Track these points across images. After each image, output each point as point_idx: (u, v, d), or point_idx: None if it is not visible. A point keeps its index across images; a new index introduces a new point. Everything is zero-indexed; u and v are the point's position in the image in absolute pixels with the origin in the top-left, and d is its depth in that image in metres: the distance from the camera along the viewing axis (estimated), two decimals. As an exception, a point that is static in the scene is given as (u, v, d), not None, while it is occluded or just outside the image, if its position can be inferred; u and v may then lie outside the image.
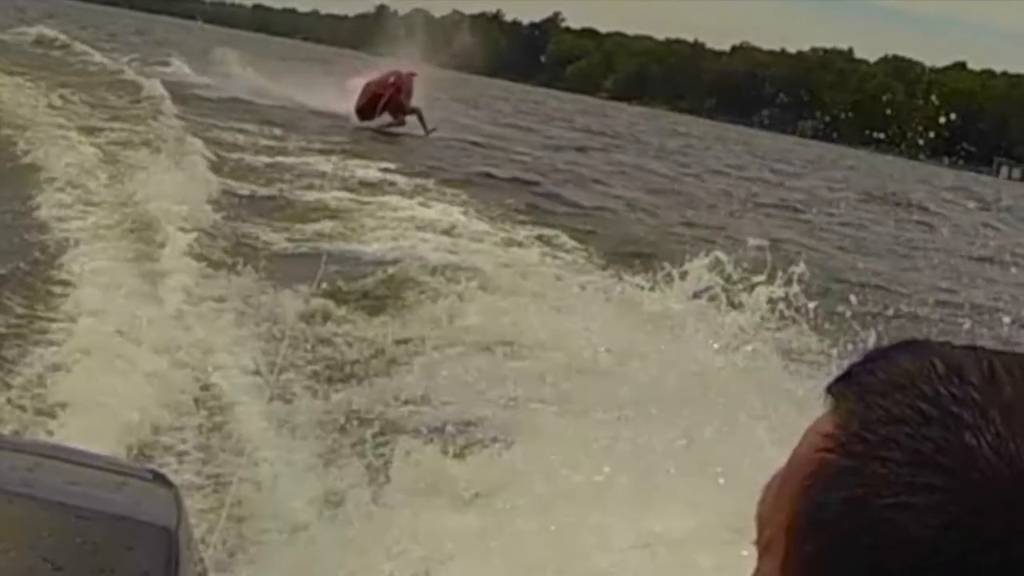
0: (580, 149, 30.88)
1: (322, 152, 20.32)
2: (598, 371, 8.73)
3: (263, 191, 15.39)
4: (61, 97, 20.28)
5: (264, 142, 20.50)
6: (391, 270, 11.73)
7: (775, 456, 1.05)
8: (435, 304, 10.53)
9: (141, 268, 10.47)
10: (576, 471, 6.16)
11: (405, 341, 9.42)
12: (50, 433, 6.59)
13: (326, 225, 13.86)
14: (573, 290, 11.66)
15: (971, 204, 43.19)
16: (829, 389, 0.87)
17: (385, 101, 28.92)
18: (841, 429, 0.84)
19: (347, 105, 29.14)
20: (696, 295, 11.17)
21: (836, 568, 0.81)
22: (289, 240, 12.89)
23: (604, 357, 9.13)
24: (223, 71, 33.67)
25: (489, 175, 20.26)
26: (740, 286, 11.41)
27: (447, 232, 14.24)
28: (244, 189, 15.08)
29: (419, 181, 17.77)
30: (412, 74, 29.87)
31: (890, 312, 12.97)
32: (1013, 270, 20.86)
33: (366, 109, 28.74)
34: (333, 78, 31.77)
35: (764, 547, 0.88)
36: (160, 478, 2.62)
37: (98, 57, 30.43)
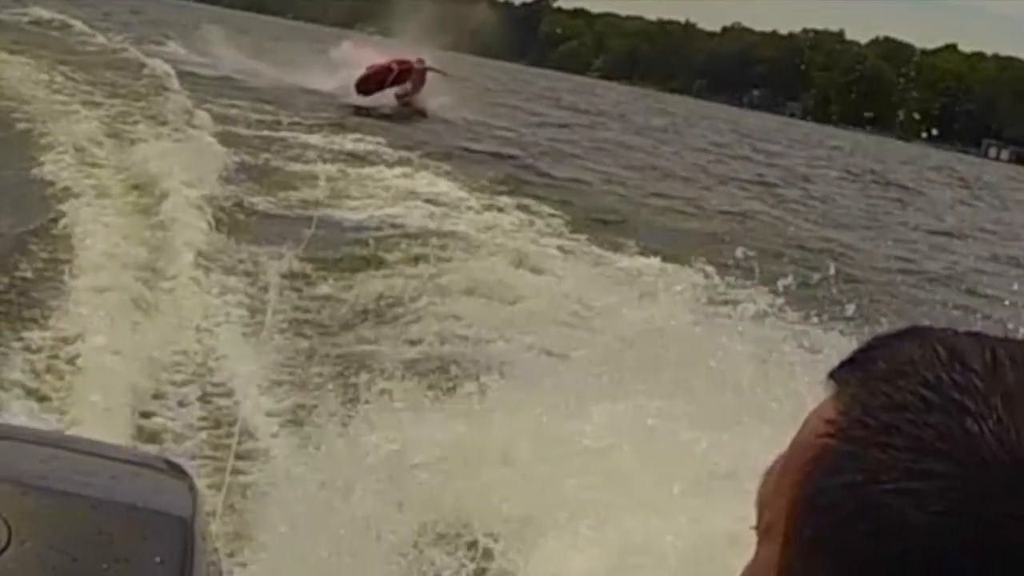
0: (563, 126, 31.66)
1: (312, 127, 21.15)
2: (568, 321, 9.66)
3: (256, 161, 16.20)
4: (63, 75, 21.05)
5: (256, 116, 21.31)
6: (377, 233, 12.63)
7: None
8: (416, 264, 11.44)
9: (145, 234, 11.23)
10: (550, 403, 7.01)
11: (389, 296, 10.32)
12: (57, 407, 6.90)
13: (314, 193, 14.70)
14: (548, 251, 12.56)
15: (951, 183, 44.05)
16: (831, 375, 0.88)
17: (393, 78, 28.55)
18: (843, 415, 0.84)
19: (335, 83, 29.48)
20: (654, 255, 12.13)
21: (835, 553, 0.82)
22: (280, 206, 13.73)
23: (573, 308, 10.08)
24: (215, 52, 34.31)
25: (471, 149, 21.12)
26: (700, 251, 12.39)
27: (430, 200, 15.08)
28: (243, 159, 15.89)
29: (403, 154, 18.62)
30: (430, 68, 29.64)
31: (843, 275, 13.90)
32: (972, 243, 21.84)
33: (371, 82, 28.29)
34: (324, 56, 32.36)
35: (764, 532, 0.89)
36: (175, 468, 2.64)
37: (100, 38, 31.16)
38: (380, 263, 11.39)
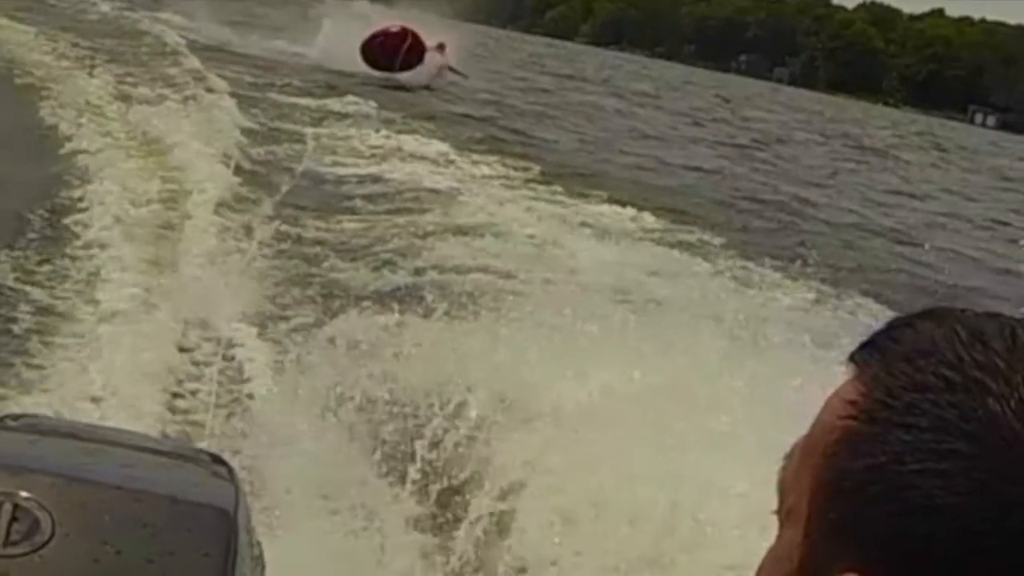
0: (544, 91, 32.68)
1: (299, 89, 22.29)
2: (531, 253, 10.92)
3: (254, 121, 17.28)
4: (67, 42, 22.08)
5: (249, 79, 22.37)
6: (360, 186, 13.84)
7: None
8: (397, 211, 12.65)
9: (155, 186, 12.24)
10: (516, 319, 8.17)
11: (367, 235, 11.53)
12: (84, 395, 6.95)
13: (301, 148, 15.83)
14: (520, 200, 13.78)
15: (927, 147, 44.88)
16: (852, 357, 0.89)
17: (407, 48, 27.27)
18: (865, 396, 0.85)
19: (317, 50, 29.59)
20: (615, 203, 13.41)
21: (860, 535, 0.83)
22: (269, 160, 14.86)
23: (535, 240, 11.36)
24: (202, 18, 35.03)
25: (454, 112, 22.25)
26: (657, 201, 13.69)
27: (411, 156, 16.23)
28: (242, 118, 16.95)
29: (387, 114, 19.79)
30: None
31: (792, 226, 15.18)
32: (931, 202, 23.03)
33: (380, 48, 27.16)
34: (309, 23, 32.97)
35: (786, 515, 0.90)
36: (217, 460, 2.66)
37: (104, 7, 32.05)
38: (360, 210, 12.59)
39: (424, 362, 7.14)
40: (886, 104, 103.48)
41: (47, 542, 2.02)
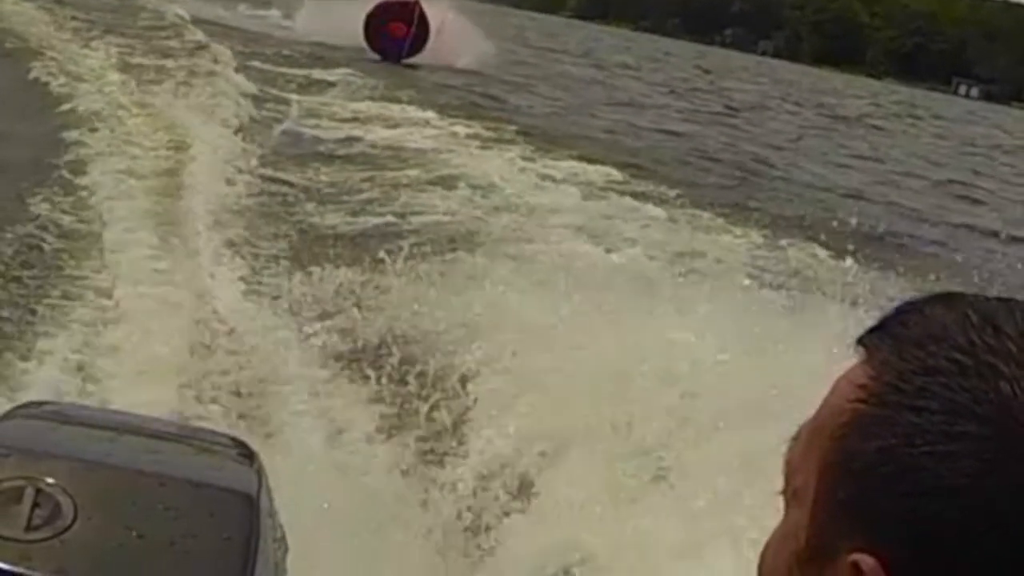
0: (523, 63, 33.65)
1: (286, 58, 23.42)
2: (502, 201, 12.14)
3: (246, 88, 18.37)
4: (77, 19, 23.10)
5: (239, 47, 23.46)
6: (342, 146, 15.04)
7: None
8: (381, 166, 13.87)
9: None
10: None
11: (347, 185, 12.76)
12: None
13: (288, 109, 16.98)
14: (494, 159, 14.98)
15: (902, 115, 45.75)
16: (860, 340, 0.91)
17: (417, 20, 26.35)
18: (875, 380, 0.87)
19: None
20: (582, 160, 14.69)
21: (870, 516, 0.84)
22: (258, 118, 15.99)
23: (507, 190, 12.61)
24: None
25: (435, 82, 23.41)
26: (620, 158, 14.97)
27: (390, 120, 17.41)
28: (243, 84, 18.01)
29: (371, 81, 20.97)
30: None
31: (744, 180, 16.42)
32: (891, 164, 24.18)
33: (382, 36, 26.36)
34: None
35: (792, 495, 0.92)
36: (241, 445, 2.68)
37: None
38: (343, 161, 13.84)
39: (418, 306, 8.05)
40: (870, 76, 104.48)
41: (69, 526, 2.04)
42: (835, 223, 13.84)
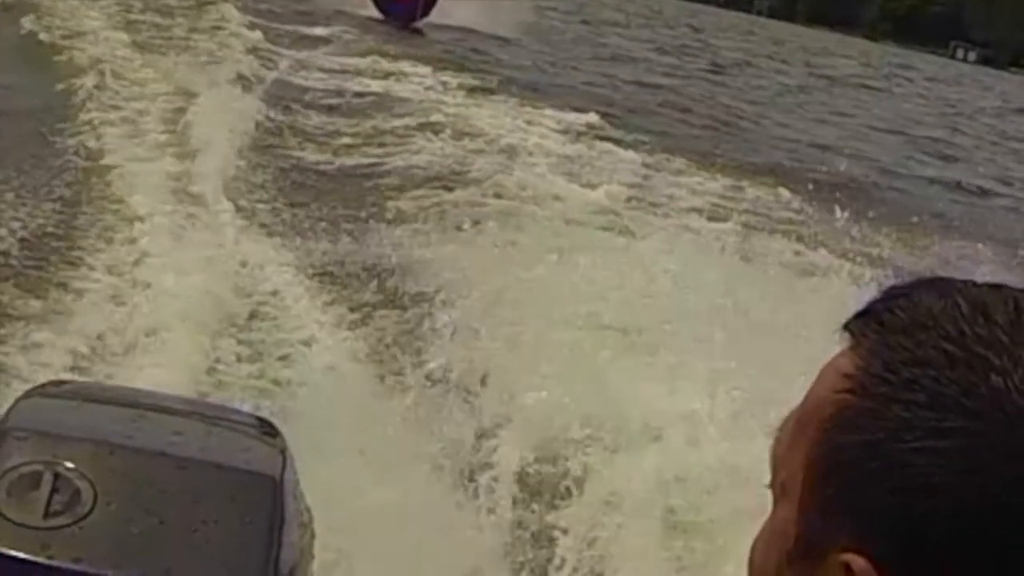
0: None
1: (274, 13, 24.33)
2: (485, 145, 13.31)
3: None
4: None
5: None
6: (335, 97, 16.14)
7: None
8: (377, 113, 15.01)
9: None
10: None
11: (346, 130, 13.90)
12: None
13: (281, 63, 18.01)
14: (481, 108, 16.12)
15: (897, 78, 46.30)
16: (847, 326, 0.89)
17: None
18: (861, 370, 0.86)
19: None
20: (560, 108, 15.87)
21: (858, 512, 0.84)
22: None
23: (491, 134, 13.80)
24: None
25: (429, 39, 24.51)
26: (597, 106, 16.14)
27: (379, 72, 18.49)
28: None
29: (365, 37, 22.03)
30: None
31: (712, 128, 17.61)
32: (863, 118, 25.17)
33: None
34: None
35: (780, 490, 0.91)
36: (265, 425, 2.65)
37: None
38: (338, 110, 14.95)
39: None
40: (866, 38, 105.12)
41: (88, 513, 2.02)
42: (796, 170, 15.05)
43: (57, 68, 15.11)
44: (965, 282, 0.89)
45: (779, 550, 0.90)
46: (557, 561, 5.38)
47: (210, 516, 2.12)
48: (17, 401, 2.45)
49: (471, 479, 5.82)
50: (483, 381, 6.54)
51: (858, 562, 0.83)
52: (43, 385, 3.02)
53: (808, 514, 0.88)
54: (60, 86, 14.01)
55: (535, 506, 5.70)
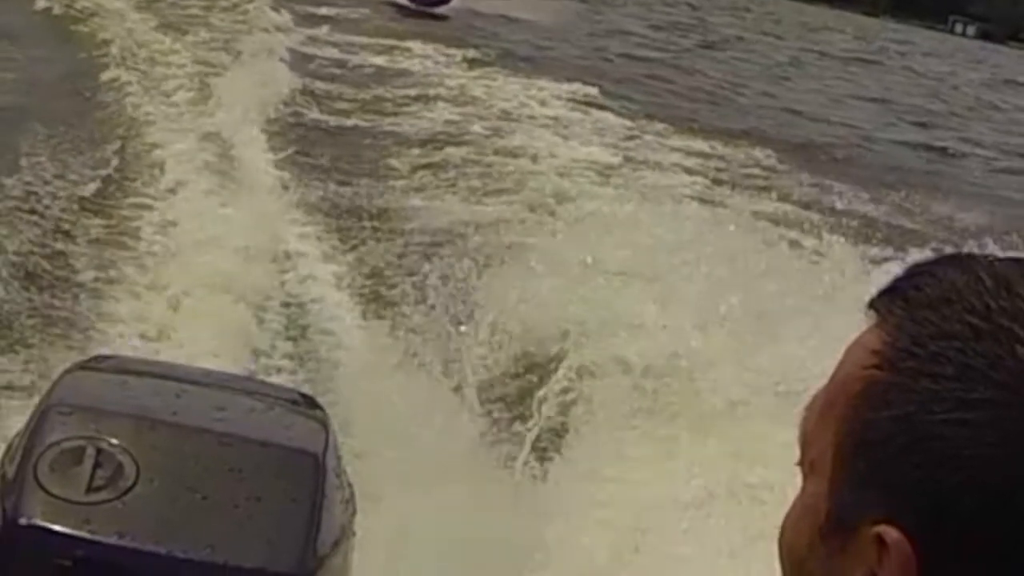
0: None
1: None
2: (482, 110, 14.75)
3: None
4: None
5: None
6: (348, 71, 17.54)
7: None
8: (383, 83, 16.43)
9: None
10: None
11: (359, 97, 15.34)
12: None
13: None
14: (475, 80, 17.53)
15: (890, 52, 46.77)
16: (872, 303, 0.92)
17: None
18: (888, 346, 0.89)
19: None
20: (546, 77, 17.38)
21: (888, 486, 0.87)
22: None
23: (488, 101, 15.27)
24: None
25: (430, 14, 25.86)
26: (586, 75, 17.59)
27: (378, 47, 19.88)
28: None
29: (377, 17, 23.39)
30: None
31: (691, 96, 19.01)
32: (841, 86, 26.31)
33: None
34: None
35: (809, 467, 0.94)
36: (309, 402, 2.73)
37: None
38: (346, 80, 16.40)
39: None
40: (866, 14, 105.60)
41: (130, 488, 2.06)
42: (773, 133, 16.48)
43: (80, 41, 16.26)
44: (987, 257, 0.91)
45: (811, 525, 0.92)
46: (534, 420, 6.19)
47: (252, 493, 2.14)
48: (61, 376, 2.45)
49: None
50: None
51: (891, 533, 0.86)
52: (87, 360, 3.05)
53: (839, 489, 0.90)
54: (85, 56, 15.15)
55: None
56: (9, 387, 6.26)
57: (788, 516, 0.95)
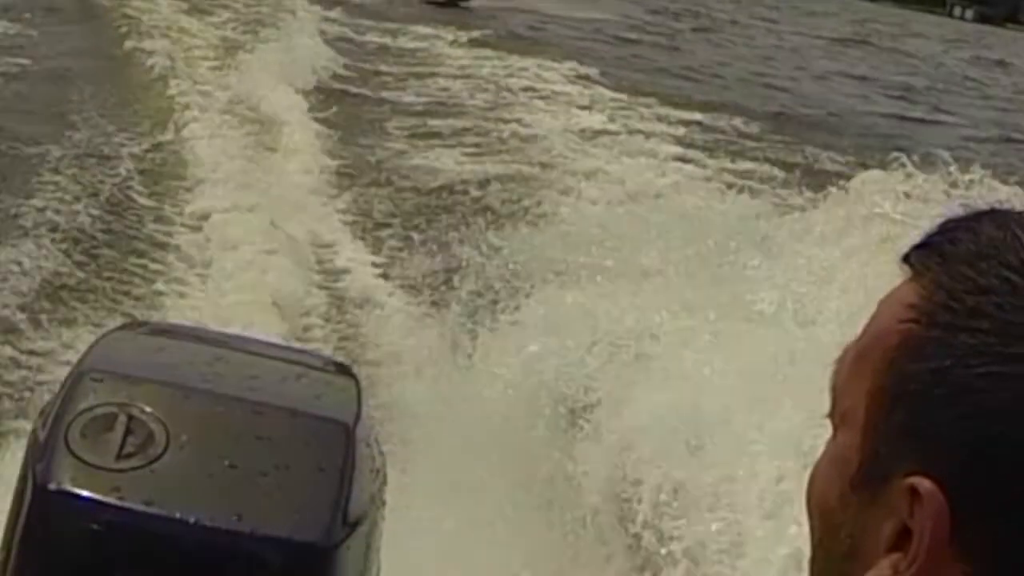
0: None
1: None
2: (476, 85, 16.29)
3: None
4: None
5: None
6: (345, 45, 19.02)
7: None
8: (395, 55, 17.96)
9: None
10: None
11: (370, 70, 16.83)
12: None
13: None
14: (478, 59, 19.04)
15: (884, 36, 47.38)
16: (906, 258, 0.93)
17: None
18: (925, 300, 0.89)
19: None
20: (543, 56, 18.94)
21: (926, 438, 0.87)
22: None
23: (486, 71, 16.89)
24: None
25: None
26: (583, 54, 19.14)
27: (380, 31, 21.39)
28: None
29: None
30: None
31: (684, 75, 20.48)
32: (824, 63, 27.52)
33: None
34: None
35: (840, 419, 0.95)
36: (341, 368, 2.71)
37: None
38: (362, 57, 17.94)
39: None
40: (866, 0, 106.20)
41: (161, 455, 2.06)
42: (753, 105, 17.97)
43: (114, 19, 17.65)
44: (1021, 213, 0.93)
45: (842, 476, 0.93)
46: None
47: (282, 462, 2.14)
48: (96, 342, 2.47)
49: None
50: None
51: (924, 484, 0.87)
52: (121, 326, 3.04)
53: (872, 440, 0.91)
54: (120, 32, 16.53)
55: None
56: (51, 354, 6.62)
57: (817, 467, 0.97)
